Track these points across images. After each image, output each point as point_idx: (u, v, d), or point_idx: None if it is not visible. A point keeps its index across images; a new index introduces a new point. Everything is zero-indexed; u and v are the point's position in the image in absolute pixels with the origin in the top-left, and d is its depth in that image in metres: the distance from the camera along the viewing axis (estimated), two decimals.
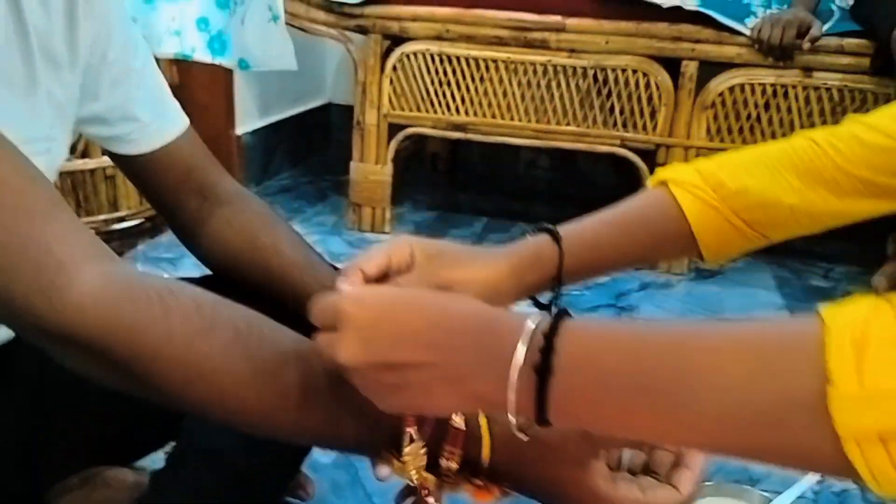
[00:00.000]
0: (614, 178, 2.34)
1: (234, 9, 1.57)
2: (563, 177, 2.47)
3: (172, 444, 0.82)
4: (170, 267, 1.61)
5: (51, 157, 0.69)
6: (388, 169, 1.87)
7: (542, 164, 2.49)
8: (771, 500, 0.93)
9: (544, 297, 0.66)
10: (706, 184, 0.67)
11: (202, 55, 1.61)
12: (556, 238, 0.64)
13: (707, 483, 0.96)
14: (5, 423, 0.77)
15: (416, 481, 0.50)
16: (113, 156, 0.78)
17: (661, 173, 0.68)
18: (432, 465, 0.51)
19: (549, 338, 0.37)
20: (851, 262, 1.89)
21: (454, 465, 0.50)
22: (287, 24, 1.70)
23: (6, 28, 0.64)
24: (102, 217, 1.77)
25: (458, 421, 0.50)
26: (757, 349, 0.35)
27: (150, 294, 0.54)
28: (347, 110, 2.41)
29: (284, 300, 0.78)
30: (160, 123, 0.78)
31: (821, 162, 0.67)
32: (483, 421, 0.50)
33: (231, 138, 2.10)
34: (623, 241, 0.68)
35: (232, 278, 0.80)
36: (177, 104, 0.80)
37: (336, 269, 0.87)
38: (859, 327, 0.33)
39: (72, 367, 0.53)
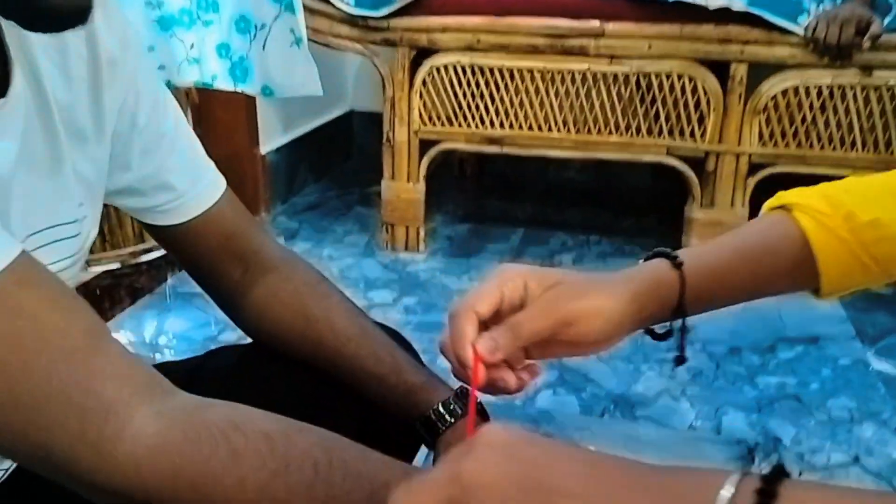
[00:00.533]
0: (650, 181, 2.26)
1: (255, 34, 1.49)
2: (595, 180, 2.39)
3: None
4: (202, 302, 1.54)
5: (81, 238, 0.62)
6: (421, 187, 1.79)
7: (573, 166, 2.40)
8: None
9: (660, 328, 0.59)
10: (835, 212, 0.59)
11: (224, 83, 1.53)
12: (675, 264, 0.58)
13: None
14: None
15: None
16: (147, 226, 0.71)
17: (785, 197, 0.61)
18: None
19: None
20: None
21: None
22: (310, 39, 1.61)
23: (26, 105, 0.57)
24: (129, 250, 1.71)
25: None
26: None
27: (213, 433, 0.47)
28: (370, 117, 2.33)
29: (338, 375, 0.72)
30: (197, 190, 0.71)
31: None
32: None
33: (255, 157, 2.02)
34: (746, 269, 0.60)
35: (279, 350, 0.73)
36: (212, 165, 0.73)
37: (393, 333, 0.79)
38: None
39: None
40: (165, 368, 0.54)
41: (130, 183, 0.67)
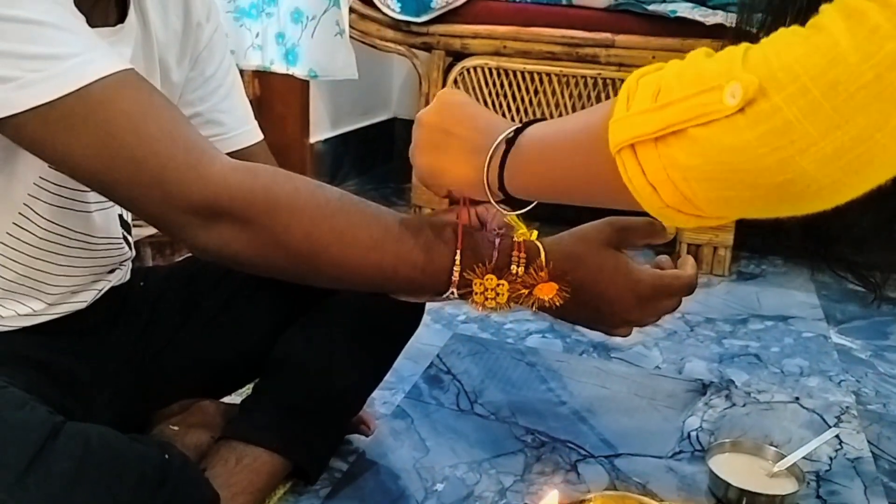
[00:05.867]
0: None
1: (306, 24, 1.76)
2: None
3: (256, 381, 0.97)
4: None
5: None
6: None
7: None
8: (785, 457, 1.03)
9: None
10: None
11: (279, 66, 1.80)
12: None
13: (725, 440, 1.06)
14: (122, 354, 0.93)
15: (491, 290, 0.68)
16: None
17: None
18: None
19: (519, 130, 0.57)
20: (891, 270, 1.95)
21: (521, 269, 0.66)
22: (358, 40, 1.89)
23: (136, 34, 0.81)
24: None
25: (518, 234, 0.69)
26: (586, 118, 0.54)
27: (275, 167, 0.70)
28: (411, 125, 2.57)
29: None
30: (239, 131, 0.95)
31: None
32: (534, 235, 0.70)
33: (305, 145, 2.28)
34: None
35: None
36: (256, 123, 0.98)
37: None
38: (646, 74, 0.48)
39: (214, 245, 0.68)
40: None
41: (190, 115, 0.90)
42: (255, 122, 0.97)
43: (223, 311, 0.99)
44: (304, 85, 2.20)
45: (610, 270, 0.71)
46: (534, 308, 0.69)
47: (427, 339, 1.40)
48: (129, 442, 0.71)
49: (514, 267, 0.68)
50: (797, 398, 1.28)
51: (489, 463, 1.04)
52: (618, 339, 1.45)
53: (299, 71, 1.80)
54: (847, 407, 1.26)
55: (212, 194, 0.66)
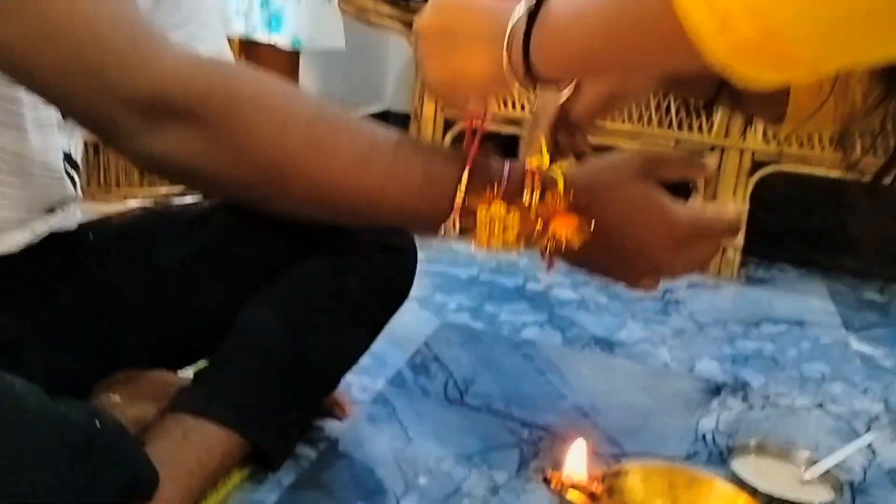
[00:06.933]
0: None
1: None
2: None
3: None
4: None
5: None
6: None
7: None
8: (817, 462, 0.90)
9: None
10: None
11: (261, 34, 1.69)
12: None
13: (749, 441, 0.94)
14: (67, 314, 0.80)
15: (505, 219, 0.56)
16: None
17: None
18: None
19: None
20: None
21: (535, 197, 0.54)
22: (352, 15, 1.77)
23: None
24: (164, 190, 1.83)
25: (532, 164, 0.58)
26: None
27: (237, 62, 0.57)
28: (405, 119, 2.46)
29: None
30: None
31: None
32: (555, 167, 0.58)
33: None
34: None
35: None
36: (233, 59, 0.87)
37: None
38: None
39: (160, 151, 0.55)
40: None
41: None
42: (233, 59, 0.86)
43: (181, 273, 0.86)
44: (294, 67, 2.07)
45: (642, 205, 0.58)
46: (548, 251, 0.57)
47: (414, 326, 1.27)
48: (52, 403, 0.58)
49: (526, 195, 0.55)
50: (821, 404, 1.16)
51: (480, 457, 0.91)
52: (622, 335, 1.33)
53: (282, 39, 1.68)
54: (877, 415, 1.14)
55: (160, 87, 0.53)
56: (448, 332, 1.28)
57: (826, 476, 0.88)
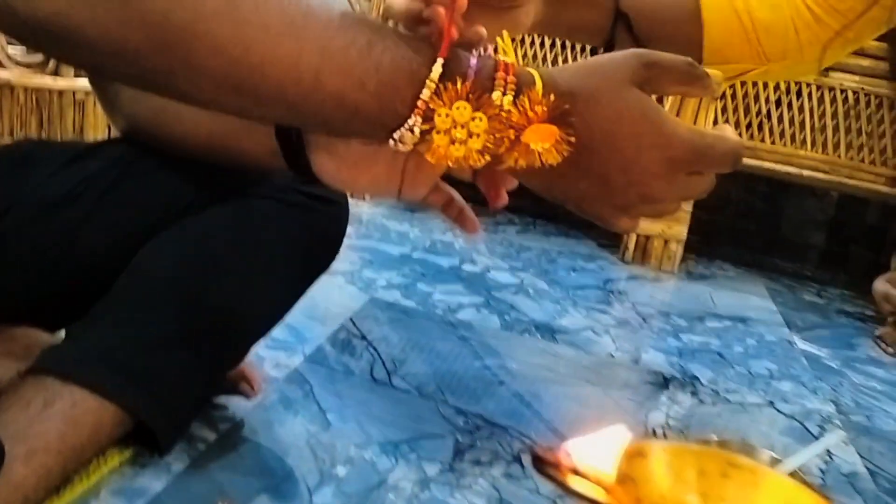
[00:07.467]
0: None
1: None
2: None
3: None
4: None
5: None
6: None
7: None
8: (780, 462, 0.82)
9: None
10: None
11: None
12: None
13: (713, 438, 0.85)
14: None
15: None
16: None
17: None
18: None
19: None
20: (843, 287, 1.83)
21: (509, 98, 0.43)
22: None
23: None
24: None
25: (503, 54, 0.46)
26: None
27: None
28: None
29: None
30: None
31: None
32: (533, 66, 0.46)
33: None
34: None
35: None
36: None
37: None
38: None
39: (44, 13, 0.41)
40: None
41: None
42: None
43: (63, 205, 0.71)
44: None
45: (634, 117, 0.45)
46: (517, 167, 0.45)
47: (338, 300, 1.14)
48: None
49: (497, 94, 0.43)
50: (771, 402, 1.09)
51: (408, 446, 0.79)
52: (564, 322, 1.23)
53: None
54: (828, 416, 1.07)
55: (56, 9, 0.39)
56: (376, 309, 1.15)
57: (794, 476, 0.79)
